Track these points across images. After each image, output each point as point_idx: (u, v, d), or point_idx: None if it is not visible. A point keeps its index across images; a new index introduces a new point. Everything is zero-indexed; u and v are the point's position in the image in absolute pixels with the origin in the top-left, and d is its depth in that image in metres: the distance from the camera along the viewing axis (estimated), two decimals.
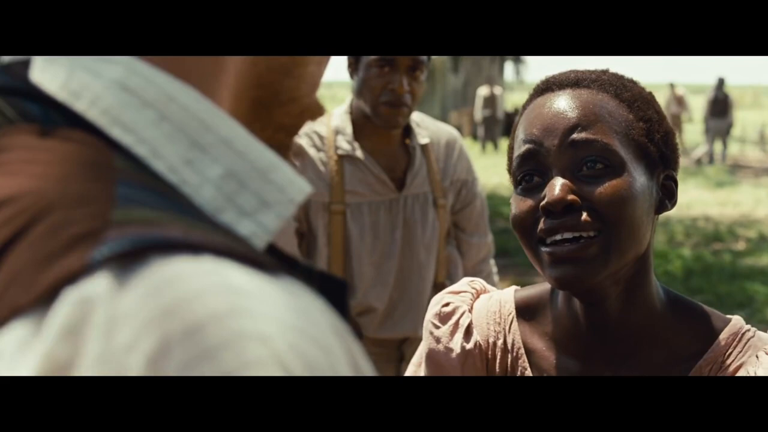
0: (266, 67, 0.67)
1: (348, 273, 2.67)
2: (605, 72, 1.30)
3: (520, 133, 1.25)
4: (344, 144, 2.68)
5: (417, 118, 2.83)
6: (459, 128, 20.05)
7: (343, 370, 0.52)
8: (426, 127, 2.82)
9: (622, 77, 1.30)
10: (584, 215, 1.17)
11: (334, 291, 0.63)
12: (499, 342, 1.33)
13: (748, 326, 1.27)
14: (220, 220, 0.58)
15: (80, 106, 0.58)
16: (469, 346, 1.32)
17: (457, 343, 1.33)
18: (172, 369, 0.46)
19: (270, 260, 0.54)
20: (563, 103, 1.23)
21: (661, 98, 22.23)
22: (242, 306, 0.48)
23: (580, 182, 1.18)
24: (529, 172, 1.22)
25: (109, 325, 0.47)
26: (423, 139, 2.79)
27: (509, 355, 1.32)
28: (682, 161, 19.49)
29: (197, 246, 0.50)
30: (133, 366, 0.46)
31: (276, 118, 0.69)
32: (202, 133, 0.59)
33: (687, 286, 7.90)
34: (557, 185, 1.17)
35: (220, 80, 0.63)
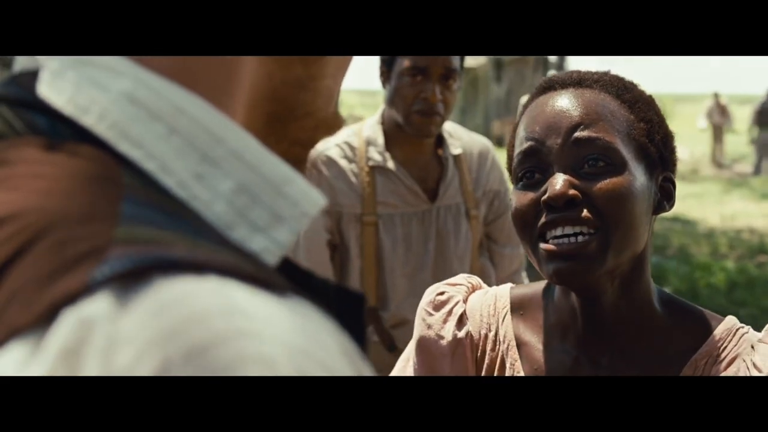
0: (281, 81, 0.65)
1: (381, 285, 2.66)
2: (607, 73, 1.31)
3: (522, 131, 1.26)
4: (376, 155, 2.67)
5: (450, 128, 2.81)
6: (502, 137, 19.98)
7: None
8: (459, 137, 2.80)
9: (623, 79, 1.31)
10: (585, 210, 1.18)
11: (350, 305, 0.62)
12: (491, 334, 1.34)
13: (742, 324, 1.28)
14: (231, 235, 0.56)
15: (88, 120, 0.57)
16: (461, 334, 1.34)
17: (448, 331, 1.34)
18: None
19: (278, 279, 0.52)
20: (566, 101, 1.24)
21: (704, 108, 22.01)
22: (246, 328, 0.47)
23: (581, 179, 1.20)
24: (530, 169, 1.23)
25: (108, 347, 0.46)
26: (456, 149, 2.77)
27: (500, 347, 1.33)
28: (725, 173, 19.28)
29: (201, 265, 0.49)
30: None
31: (291, 132, 0.68)
32: (213, 146, 0.57)
33: (730, 298, 7.80)
34: (559, 180, 1.19)
35: (233, 94, 0.62)
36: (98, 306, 0.47)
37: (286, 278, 0.57)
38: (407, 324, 2.70)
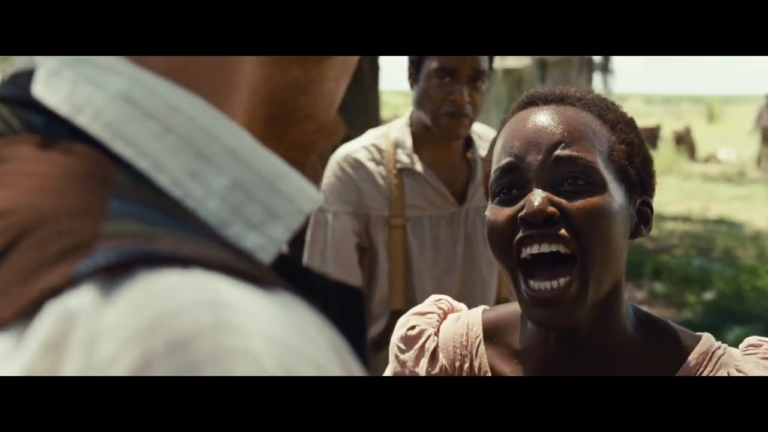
0: (280, 84, 0.65)
1: (409, 288, 2.64)
2: (590, 92, 1.29)
3: (500, 146, 1.24)
4: (403, 157, 2.65)
5: (478, 129, 2.78)
6: None
7: None
8: (487, 139, 2.77)
9: (605, 99, 1.29)
10: (562, 229, 1.16)
11: (350, 301, 0.62)
12: (466, 366, 1.31)
13: (719, 343, 1.25)
14: (226, 233, 0.57)
15: (82, 119, 0.57)
16: (435, 370, 1.31)
17: (422, 368, 1.31)
18: None
19: (267, 274, 0.52)
20: (548, 118, 1.22)
21: (754, 110, 21.74)
22: (230, 321, 0.47)
23: (560, 196, 1.17)
24: (507, 184, 1.20)
25: (91, 340, 0.46)
26: (484, 151, 2.73)
27: None
28: None
29: (187, 259, 0.49)
30: None
31: (291, 135, 0.68)
32: (207, 143, 0.58)
33: None
34: (537, 197, 1.16)
35: (231, 96, 0.62)
36: (82, 299, 0.47)
37: (284, 275, 0.56)
38: None
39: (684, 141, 22.77)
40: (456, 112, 2.54)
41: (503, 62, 20.76)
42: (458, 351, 1.31)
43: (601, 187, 1.17)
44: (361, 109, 7.35)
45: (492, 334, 1.31)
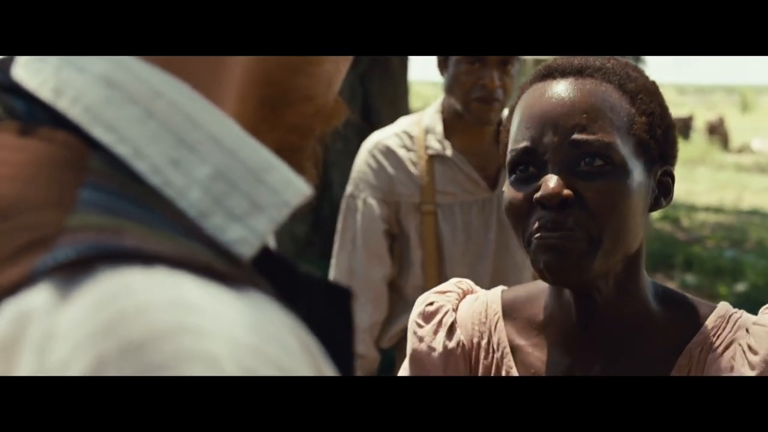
0: (275, 65, 0.63)
1: (441, 274, 2.63)
2: (610, 59, 1.25)
3: (517, 122, 1.22)
4: (434, 143, 2.64)
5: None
6: None
7: None
8: None
9: (627, 65, 1.26)
10: (576, 214, 1.15)
11: (337, 299, 0.60)
12: (483, 342, 1.30)
13: (736, 309, 1.25)
14: (206, 224, 0.54)
15: (62, 104, 0.55)
16: (452, 345, 1.31)
17: (439, 342, 1.31)
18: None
19: (238, 272, 0.50)
20: (565, 94, 1.20)
21: None
22: (190, 323, 0.44)
23: (576, 177, 1.16)
24: (524, 164, 1.19)
25: (44, 342, 0.44)
26: None
27: (494, 355, 1.30)
28: None
29: (151, 255, 0.47)
30: None
31: (286, 118, 0.65)
32: (190, 130, 0.55)
33: None
34: (553, 180, 1.15)
35: (222, 78, 0.60)
36: (38, 298, 0.45)
37: (269, 271, 0.55)
38: None
39: (717, 131, 22.57)
40: (487, 97, 2.53)
41: None
42: (476, 327, 1.31)
43: (619, 167, 1.17)
44: (390, 100, 7.35)
45: (511, 310, 1.31)
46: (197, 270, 0.48)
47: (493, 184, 2.68)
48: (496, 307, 1.32)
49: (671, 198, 1.26)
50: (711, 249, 9.73)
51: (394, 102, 6.97)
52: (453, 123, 2.65)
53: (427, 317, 1.33)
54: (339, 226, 2.68)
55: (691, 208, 12.94)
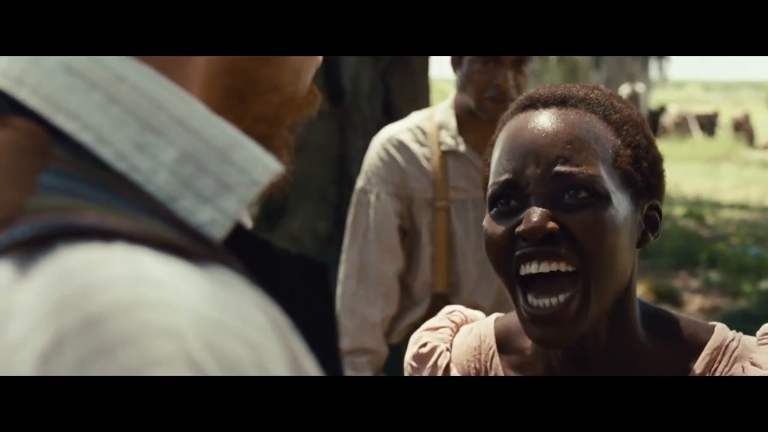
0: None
1: (453, 271, 2.62)
2: (594, 89, 1.22)
3: (498, 154, 1.18)
4: (448, 139, 2.63)
5: None
6: None
7: (276, 369, 0.47)
8: None
9: (611, 96, 1.22)
10: (563, 246, 1.11)
11: (314, 274, 0.60)
12: None
13: (733, 334, 1.20)
14: (175, 207, 0.54)
15: (22, 93, 0.55)
16: None
17: None
18: (64, 367, 0.42)
19: (200, 248, 0.50)
20: (548, 125, 1.15)
21: None
22: (151, 297, 0.44)
23: (560, 210, 1.12)
24: (505, 197, 1.15)
25: (3, 319, 0.44)
26: None
27: None
28: None
29: (110, 232, 0.46)
30: (24, 363, 0.43)
31: (254, 107, 0.65)
32: (155, 113, 0.55)
33: None
34: (536, 213, 1.11)
35: (186, 68, 0.59)
36: None
37: (246, 250, 0.54)
38: (481, 310, 2.65)
39: (742, 128, 22.42)
40: (500, 97, 2.51)
41: None
42: (472, 365, 1.27)
43: (604, 199, 1.12)
44: (412, 97, 7.35)
45: (505, 342, 1.27)
46: (157, 246, 0.47)
47: None
48: (490, 341, 1.28)
49: (659, 233, 1.22)
50: (735, 246, 9.66)
51: (415, 99, 6.96)
52: (466, 119, 2.64)
53: (422, 359, 1.30)
54: (350, 220, 2.67)
55: (716, 205, 12.86)
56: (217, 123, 0.57)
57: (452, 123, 2.64)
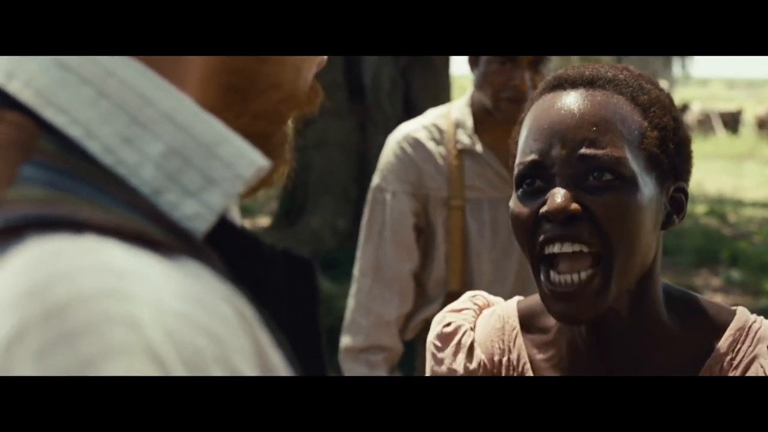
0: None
1: (467, 270, 2.62)
2: (623, 70, 1.22)
3: (525, 134, 1.20)
4: (464, 138, 2.63)
5: None
6: None
7: (240, 364, 0.48)
8: None
9: (640, 77, 1.22)
10: (585, 227, 1.13)
11: (300, 270, 0.61)
12: (504, 359, 1.28)
13: (755, 316, 1.22)
14: (160, 201, 0.55)
15: (13, 87, 0.57)
16: (473, 366, 1.28)
17: (460, 364, 1.28)
18: (25, 355, 0.44)
19: (172, 241, 0.51)
20: (575, 107, 1.16)
21: None
22: (115, 287, 0.45)
23: (584, 191, 1.13)
24: (531, 177, 1.17)
25: None
26: None
27: (514, 372, 1.28)
28: None
29: (80, 223, 0.48)
30: None
31: (252, 105, 0.66)
32: (143, 108, 0.56)
33: None
34: (560, 194, 1.12)
35: (183, 65, 0.61)
36: None
37: (231, 245, 0.56)
38: None
39: (767, 126, 22.25)
40: (517, 97, 2.51)
41: None
42: (496, 344, 1.28)
43: (628, 181, 1.14)
44: (433, 94, 7.35)
45: (528, 322, 1.29)
46: (127, 237, 0.49)
47: None
48: (513, 322, 1.29)
49: (684, 215, 1.23)
50: (757, 245, 9.61)
51: (437, 96, 6.96)
52: (482, 118, 2.64)
53: (445, 339, 1.31)
54: (365, 218, 2.67)
55: (739, 203, 12.78)
56: (204, 118, 0.57)
57: (469, 122, 2.64)
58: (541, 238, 1.14)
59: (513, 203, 1.19)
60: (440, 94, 7.30)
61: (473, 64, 2.59)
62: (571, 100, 1.17)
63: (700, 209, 11.79)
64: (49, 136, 0.55)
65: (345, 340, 2.62)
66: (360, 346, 2.58)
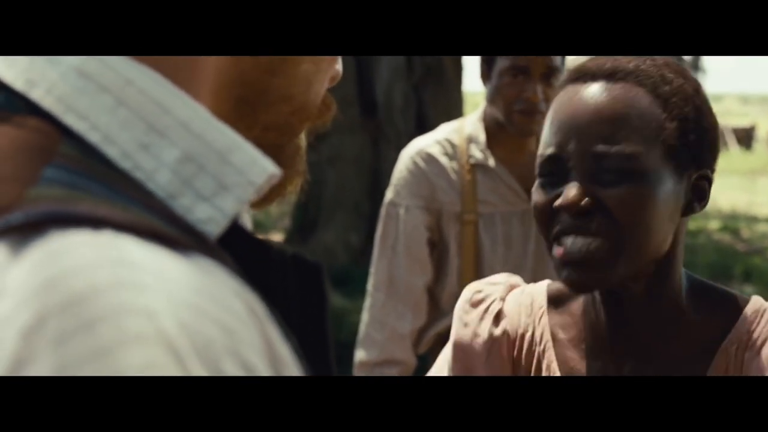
0: (251, 66, 0.66)
1: None
2: (647, 60, 1.23)
3: (547, 126, 1.23)
4: (477, 153, 2.64)
5: None
6: None
7: (251, 356, 0.50)
8: None
9: (664, 66, 1.24)
10: (598, 220, 1.17)
11: (310, 274, 0.63)
12: (528, 334, 1.32)
13: None
14: (175, 205, 0.57)
15: (36, 94, 0.59)
16: (497, 332, 1.32)
17: (484, 329, 1.32)
18: (46, 341, 0.45)
19: (185, 239, 0.53)
20: (591, 101, 1.19)
21: None
22: (131, 279, 0.47)
23: (598, 185, 1.17)
24: (550, 169, 1.21)
25: None
26: None
27: (536, 348, 1.31)
28: None
29: (99, 220, 0.50)
30: (9, 337, 0.46)
31: (263, 117, 0.68)
32: (160, 116, 0.58)
33: None
34: (573, 189, 1.17)
35: (196, 77, 0.63)
36: None
37: (242, 248, 0.58)
38: None
39: None
40: (530, 110, 2.53)
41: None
42: (522, 319, 1.33)
43: (643, 175, 1.17)
44: (444, 110, 7.36)
45: (555, 303, 1.33)
46: (143, 234, 0.51)
47: None
48: (542, 300, 1.34)
49: (706, 202, 1.25)
50: None
51: (449, 112, 6.97)
52: (495, 132, 2.65)
53: (474, 304, 1.35)
54: (379, 232, 2.68)
55: (752, 219, 12.74)
56: (218, 126, 0.59)
57: (481, 136, 2.65)
58: (556, 229, 1.19)
59: (534, 190, 1.24)
60: (452, 110, 7.31)
61: (485, 78, 2.60)
62: (589, 94, 1.20)
63: (713, 225, 11.76)
64: (70, 142, 0.57)
65: (359, 355, 2.63)
66: (374, 360, 2.59)
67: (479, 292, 1.36)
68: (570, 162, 1.18)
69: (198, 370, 0.47)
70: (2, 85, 0.60)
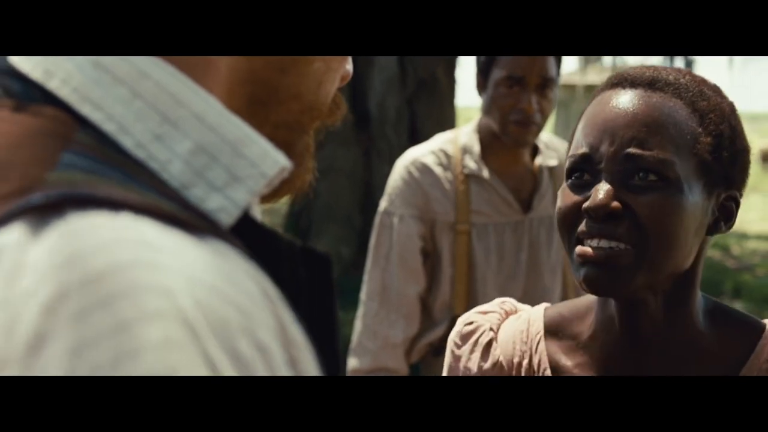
0: (263, 64, 0.67)
1: (472, 294, 2.64)
2: (686, 74, 1.24)
3: (581, 127, 1.22)
4: (471, 163, 2.65)
5: (546, 139, 2.78)
6: None
7: (265, 336, 0.51)
8: (555, 148, 2.77)
9: (702, 83, 1.23)
10: (624, 225, 1.14)
11: (317, 266, 0.64)
12: (524, 362, 1.29)
13: None
14: (188, 195, 0.58)
15: (53, 84, 0.60)
16: (487, 366, 1.30)
17: (474, 363, 1.30)
18: (66, 316, 0.47)
19: (201, 222, 0.54)
20: (629, 106, 1.19)
21: None
22: (149, 259, 0.49)
23: (627, 190, 1.15)
24: (580, 170, 1.20)
25: (14, 272, 0.49)
26: (551, 161, 2.73)
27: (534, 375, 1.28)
28: None
29: (118, 202, 0.51)
30: (30, 312, 0.47)
31: (275, 115, 0.69)
32: (174, 108, 0.60)
33: None
34: (602, 191, 1.15)
35: (209, 75, 0.64)
36: (11, 235, 0.50)
37: (252, 239, 0.59)
38: None
39: None
40: (525, 120, 2.54)
41: (584, 78, 20.50)
42: (518, 347, 1.29)
43: (673, 184, 1.15)
44: (437, 123, 7.38)
45: (555, 328, 1.29)
46: (160, 217, 0.52)
47: (527, 207, 2.69)
48: (538, 326, 1.30)
49: (732, 223, 1.23)
50: (761, 277, 9.60)
51: (442, 125, 6.98)
52: (490, 143, 2.67)
53: (465, 337, 1.33)
54: (372, 241, 2.69)
55: (742, 236, 12.78)
56: (231, 119, 0.61)
57: (476, 147, 2.66)
58: (580, 230, 1.17)
59: (561, 193, 1.21)
60: (445, 123, 7.32)
61: (481, 88, 2.62)
62: (627, 99, 1.19)
63: None
64: (86, 130, 0.58)
65: (352, 363, 2.64)
66: (366, 368, 2.60)
67: (470, 323, 1.33)
68: (601, 163, 1.17)
69: (214, 347, 0.48)
70: (20, 75, 0.62)
